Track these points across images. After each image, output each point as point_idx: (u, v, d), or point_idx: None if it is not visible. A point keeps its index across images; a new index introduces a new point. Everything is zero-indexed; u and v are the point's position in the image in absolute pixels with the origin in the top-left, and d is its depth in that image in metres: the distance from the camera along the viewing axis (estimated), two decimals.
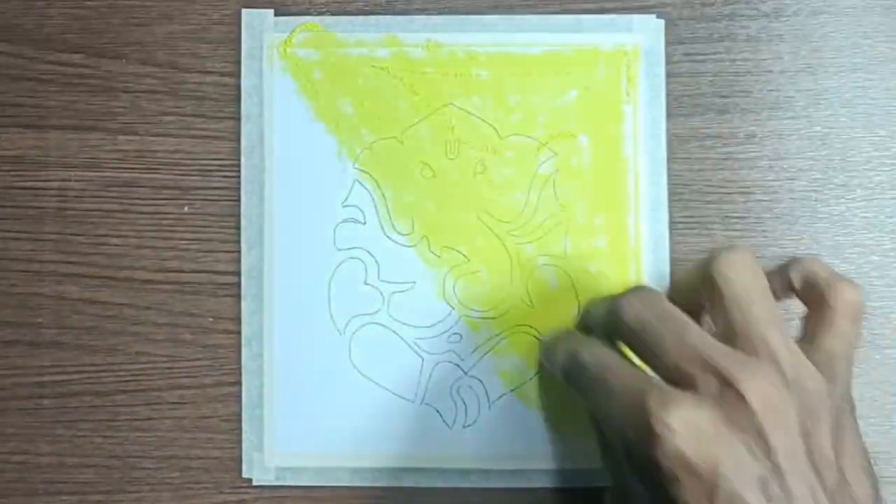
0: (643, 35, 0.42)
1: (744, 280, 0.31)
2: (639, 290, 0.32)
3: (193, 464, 0.40)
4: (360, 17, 0.42)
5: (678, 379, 0.30)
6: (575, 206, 0.41)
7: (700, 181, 0.41)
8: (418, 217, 0.41)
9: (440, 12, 0.42)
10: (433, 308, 0.41)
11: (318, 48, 0.42)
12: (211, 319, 0.41)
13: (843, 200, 0.41)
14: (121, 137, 0.42)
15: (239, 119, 0.41)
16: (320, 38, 0.42)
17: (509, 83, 0.41)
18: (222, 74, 0.42)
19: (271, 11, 0.42)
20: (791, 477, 0.28)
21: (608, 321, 0.33)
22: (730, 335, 0.30)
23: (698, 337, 0.30)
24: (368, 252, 0.41)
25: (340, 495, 0.40)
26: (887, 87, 0.42)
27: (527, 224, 0.41)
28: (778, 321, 0.30)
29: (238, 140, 0.41)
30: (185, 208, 0.41)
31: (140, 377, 0.41)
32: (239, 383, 0.40)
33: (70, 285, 0.41)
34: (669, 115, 0.41)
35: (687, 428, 0.28)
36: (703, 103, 0.42)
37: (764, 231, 0.41)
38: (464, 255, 0.41)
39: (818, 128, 0.42)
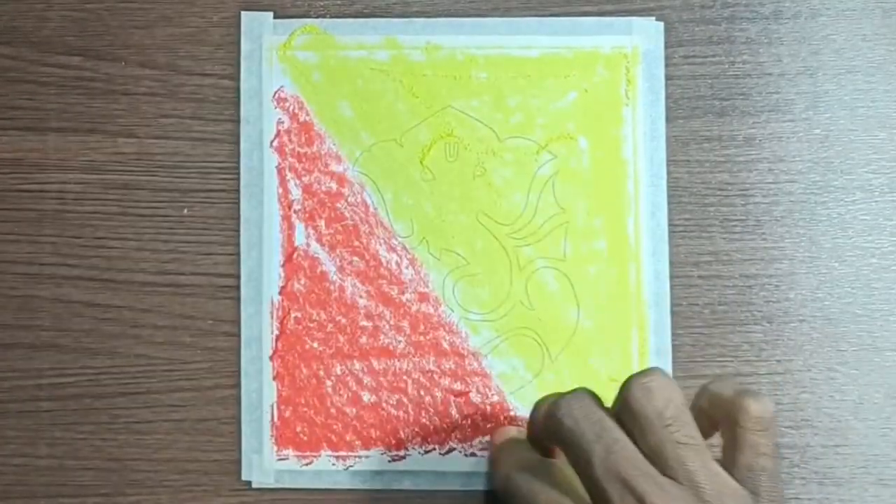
0: (642, 37, 0.42)
1: (656, 403, 0.30)
2: (578, 394, 0.32)
3: (192, 466, 0.40)
4: (360, 20, 0.42)
5: (599, 495, 0.30)
6: (574, 209, 0.41)
7: (699, 183, 0.41)
8: (417, 219, 0.41)
9: (439, 15, 0.42)
10: None
11: (317, 51, 0.42)
12: (210, 322, 0.41)
13: (842, 203, 0.41)
14: (120, 140, 0.42)
15: (238, 121, 0.41)
16: (319, 40, 0.42)
17: (508, 85, 0.41)
18: (221, 77, 0.42)
19: (271, 14, 0.42)
20: None
21: (546, 426, 0.33)
22: (651, 458, 0.30)
23: (624, 453, 0.30)
24: None
25: (339, 498, 0.40)
26: (887, 90, 0.42)
27: (526, 226, 0.41)
28: (695, 443, 0.30)
29: (237, 142, 0.41)
30: (185, 211, 0.41)
31: (139, 380, 0.41)
32: (238, 386, 0.40)
33: (69, 288, 0.41)
34: (669, 118, 0.41)
35: None
36: (702, 106, 0.42)
37: (763, 234, 0.41)
38: (463, 258, 0.41)
39: (817, 130, 0.42)
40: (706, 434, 0.32)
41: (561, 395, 0.32)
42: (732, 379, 0.33)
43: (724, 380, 0.33)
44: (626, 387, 0.31)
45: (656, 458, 0.30)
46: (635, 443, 0.30)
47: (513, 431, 0.35)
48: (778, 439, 0.31)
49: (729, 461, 0.31)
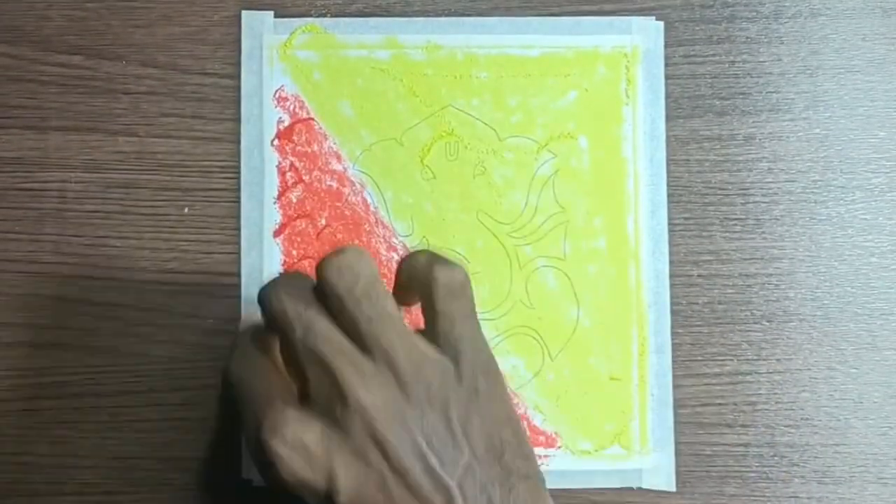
0: (642, 37, 0.42)
1: (346, 280, 0.30)
2: (286, 275, 0.32)
3: (194, 465, 0.41)
4: (360, 19, 0.42)
5: (300, 375, 0.30)
6: (574, 208, 0.41)
7: (699, 183, 0.41)
8: (418, 218, 0.41)
9: (440, 14, 0.42)
10: None
11: (317, 50, 0.42)
12: (211, 321, 0.41)
13: (842, 202, 0.41)
14: (121, 139, 0.42)
15: (239, 120, 0.41)
16: (320, 39, 0.42)
17: (509, 85, 0.41)
18: (222, 76, 0.42)
19: (271, 13, 0.42)
20: (413, 474, 0.28)
21: (260, 309, 0.32)
22: (350, 337, 0.30)
23: (321, 332, 0.30)
24: None
25: None
26: (886, 89, 0.42)
27: (526, 225, 0.41)
28: (389, 317, 0.30)
29: (238, 141, 0.41)
30: (186, 209, 0.41)
31: (141, 378, 0.41)
32: None
33: (70, 286, 0.41)
34: (669, 117, 0.41)
35: (295, 451, 0.29)
36: (702, 105, 0.42)
37: (763, 233, 0.41)
38: (463, 257, 0.41)
39: (817, 130, 0.42)
40: (407, 305, 0.32)
41: (273, 278, 0.32)
42: (428, 251, 0.32)
43: (420, 251, 0.33)
44: (318, 268, 0.31)
45: (354, 336, 0.30)
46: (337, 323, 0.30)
47: (251, 319, 0.34)
48: (474, 305, 0.31)
49: (429, 332, 0.31)
